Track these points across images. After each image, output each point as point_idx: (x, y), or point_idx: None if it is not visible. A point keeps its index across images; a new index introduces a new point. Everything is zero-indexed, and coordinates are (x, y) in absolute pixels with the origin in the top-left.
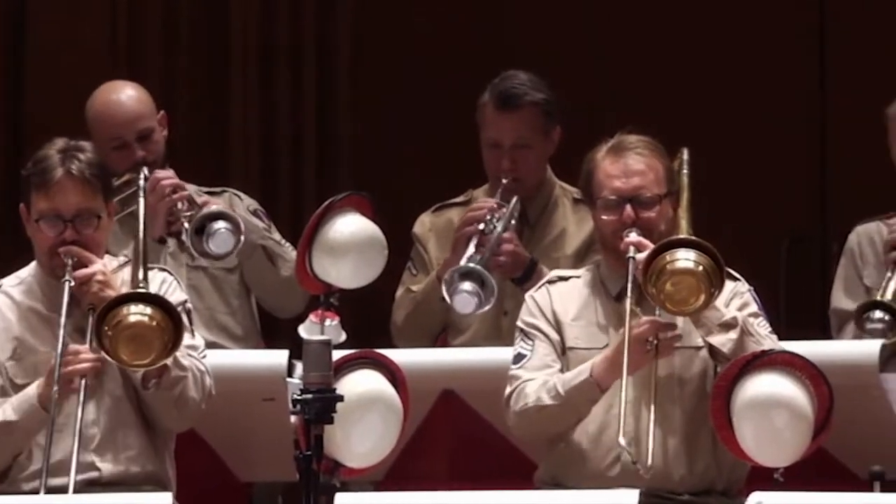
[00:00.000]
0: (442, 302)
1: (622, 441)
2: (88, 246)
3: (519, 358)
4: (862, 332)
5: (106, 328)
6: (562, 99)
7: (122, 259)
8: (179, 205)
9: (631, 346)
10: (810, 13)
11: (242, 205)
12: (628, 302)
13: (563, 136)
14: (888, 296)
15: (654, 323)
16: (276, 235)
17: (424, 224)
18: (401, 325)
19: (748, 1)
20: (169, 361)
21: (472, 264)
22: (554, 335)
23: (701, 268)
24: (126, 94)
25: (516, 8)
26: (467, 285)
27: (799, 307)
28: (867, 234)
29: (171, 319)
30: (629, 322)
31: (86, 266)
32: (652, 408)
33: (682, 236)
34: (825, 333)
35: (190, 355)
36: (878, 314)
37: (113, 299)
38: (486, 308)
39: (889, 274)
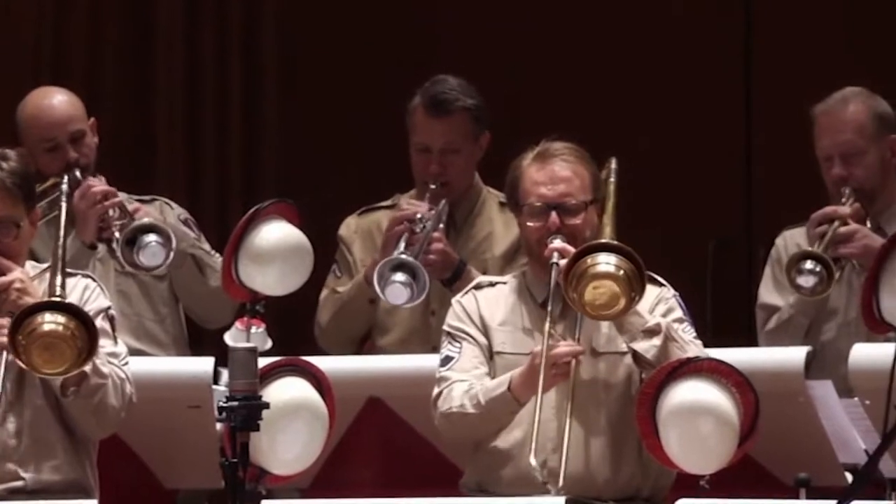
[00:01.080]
0: (369, 303)
1: (533, 462)
2: (7, 254)
3: (447, 360)
4: (795, 288)
5: (20, 336)
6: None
7: (45, 265)
8: (111, 212)
9: (546, 367)
10: (736, 15)
11: (173, 213)
12: (547, 324)
13: (490, 141)
14: (820, 249)
15: (569, 348)
16: (206, 245)
17: (350, 226)
18: (325, 327)
19: (673, 6)
20: (88, 369)
21: (404, 256)
22: (482, 339)
23: (622, 272)
24: (58, 98)
25: (443, 14)
26: (400, 276)
27: (725, 309)
28: (794, 239)
29: (86, 328)
30: (548, 334)
31: (4, 274)
32: (569, 415)
33: (603, 240)
34: (751, 335)
35: (110, 362)
36: (808, 265)
37: (26, 308)
38: (418, 301)
39: (816, 243)
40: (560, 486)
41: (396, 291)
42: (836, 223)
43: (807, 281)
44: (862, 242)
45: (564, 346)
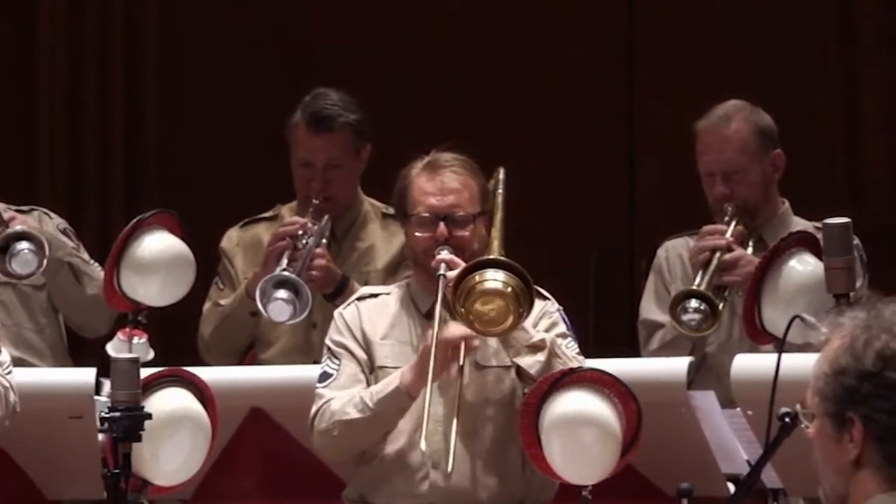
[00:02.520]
0: (250, 316)
1: (423, 446)
2: None
3: (325, 377)
4: (678, 325)
5: None
6: (369, 117)
7: None
8: None
9: (438, 348)
10: (619, 30)
11: (52, 223)
12: (437, 320)
13: (373, 153)
14: (703, 286)
15: (462, 331)
16: (84, 255)
17: (232, 239)
18: (208, 339)
19: (557, 17)
20: None
21: (287, 273)
22: (361, 354)
23: (510, 289)
24: None
25: (323, 25)
26: (282, 293)
27: (607, 321)
28: (675, 250)
29: None
30: (435, 347)
31: None
32: (455, 425)
33: (491, 257)
34: (633, 347)
35: None
36: (693, 303)
37: None
38: (301, 318)
39: (700, 272)
40: (450, 472)
41: (279, 308)
42: (721, 250)
43: (691, 319)
44: (746, 270)
45: (456, 328)
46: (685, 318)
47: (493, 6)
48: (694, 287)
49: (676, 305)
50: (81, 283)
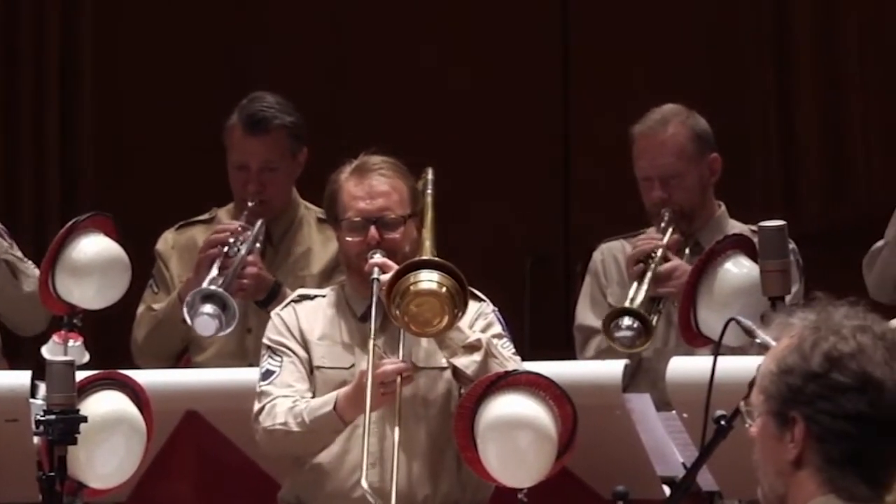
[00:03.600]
0: (182, 321)
1: (364, 485)
2: None
3: (268, 374)
4: (611, 341)
5: None
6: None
7: None
8: None
9: (372, 386)
10: (553, 35)
11: None
12: (373, 325)
13: (309, 157)
14: (636, 304)
15: (395, 366)
16: (19, 253)
17: (167, 241)
18: (141, 343)
19: (491, 21)
20: None
21: (213, 287)
22: (302, 353)
23: (444, 289)
24: None
25: (260, 30)
26: (208, 308)
27: (543, 325)
28: (611, 253)
29: None
30: (373, 351)
31: None
32: (397, 434)
33: (425, 257)
34: (569, 351)
35: None
36: (626, 321)
37: None
38: (227, 331)
39: (635, 284)
40: (394, 474)
41: (204, 323)
42: (656, 260)
43: (624, 336)
44: (681, 281)
45: (390, 365)
46: (618, 335)
47: (425, 8)
48: (627, 304)
49: (609, 322)
50: (18, 279)
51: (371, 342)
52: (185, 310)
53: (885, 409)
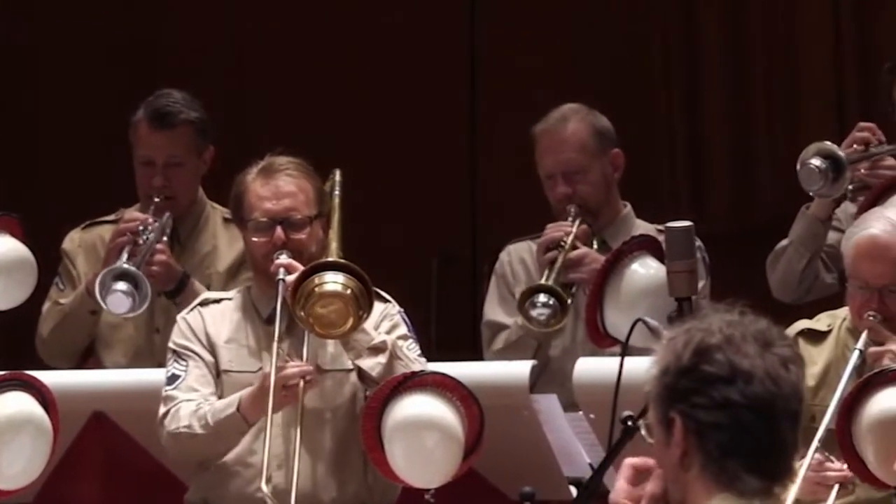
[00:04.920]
0: (90, 314)
1: (265, 488)
2: None
3: (173, 378)
4: (527, 320)
5: None
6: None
7: None
8: None
9: (277, 387)
10: (461, 33)
11: None
12: (277, 327)
13: (215, 156)
14: (550, 281)
15: (299, 368)
16: None
17: (74, 240)
18: (46, 338)
19: (398, 19)
20: None
21: (126, 265)
22: (208, 357)
23: (349, 291)
24: None
25: (167, 28)
26: (122, 285)
27: (450, 326)
28: (518, 253)
29: None
30: (276, 353)
31: None
32: (299, 434)
33: (330, 259)
34: (476, 352)
35: None
36: (542, 298)
37: None
38: (141, 310)
39: (546, 271)
40: (295, 477)
41: (118, 300)
42: (566, 248)
43: (540, 314)
44: (591, 267)
45: (293, 368)
46: (534, 312)
47: (331, 9)
48: (542, 282)
49: (525, 300)
50: None
51: (275, 344)
52: (97, 289)
53: (755, 398)
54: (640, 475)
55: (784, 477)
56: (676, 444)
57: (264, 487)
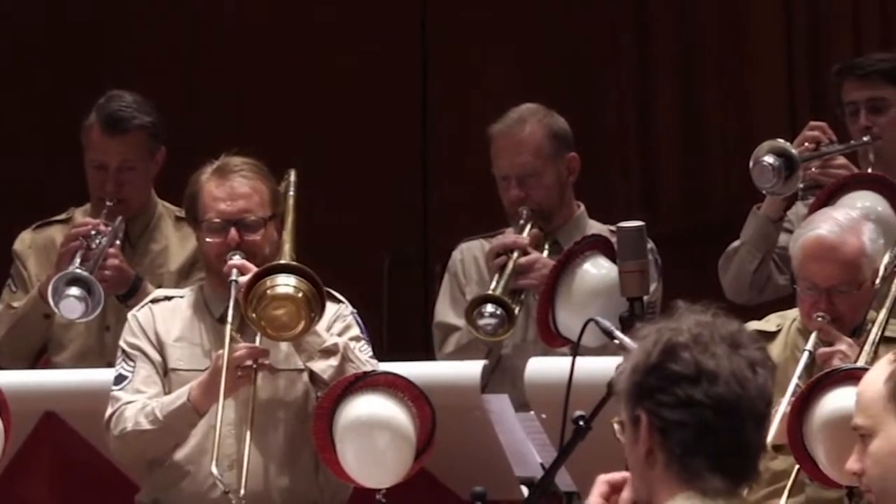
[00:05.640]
0: (44, 318)
1: (214, 470)
2: None
3: (120, 379)
4: (474, 330)
5: None
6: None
7: None
8: None
9: (228, 370)
10: (413, 36)
11: None
12: (228, 326)
13: (167, 156)
14: (499, 291)
15: (251, 349)
16: None
17: (24, 241)
18: (0, 341)
19: (352, 21)
20: None
21: (79, 270)
22: (156, 356)
23: (301, 293)
24: None
25: (115, 29)
26: (75, 290)
27: (401, 326)
28: (471, 252)
29: None
30: (229, 336)
31: None
32: (249, 431)
33: (283, 261)
34: (428, 352)
35: None
36: (489, 308)
37: None
38: (93, 315)
39: (496, 277)
40: (242, 496)
41: (71, 305)
42: (516, 254)
43: (487, 324)
44: (541, 273)
45: (246, 348)
46: (481, 322)
47: (284, 10)
48: (490, 292)
49: (472, 310)
50: None
51: (228, 326)
52: (49, 294)
53: (719, 398)
54: (613, 490)
55: (749, 478)
56: (643, 442)
57: (214, 470)
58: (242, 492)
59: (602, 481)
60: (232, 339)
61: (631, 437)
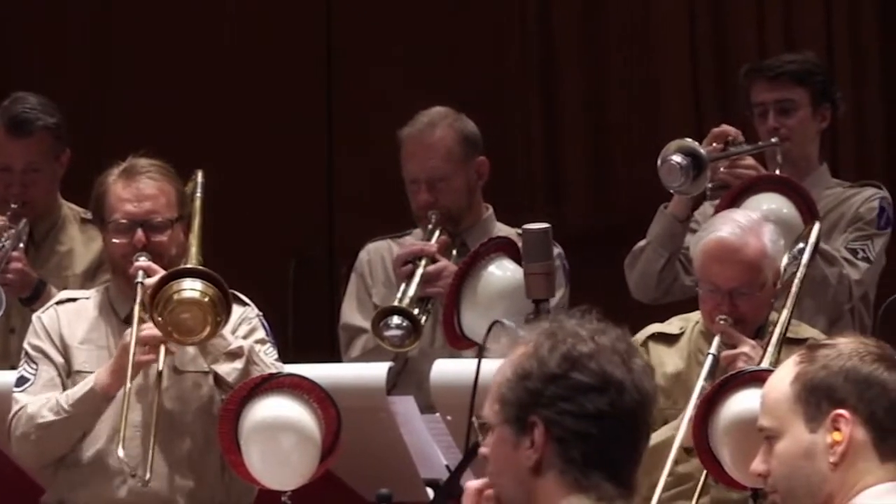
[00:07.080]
0: None
1: (121, 453)
2: None
3: (22, 381)
4: (380, 340)
5: None
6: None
7: None
8: None
9: (136, 347)
10: (318, 30)
11: None
12: (135, 327)
13: (71, 158)
14: (405, 303)
15: (158, 331)
16: None
17: None
18: None
19: (255, 19)
20: None
21: None
22: (59, 359)
23: (207, 298)
24: None
25: (25, 28)
26: None
27: (307, 328)
28: (378, 253)
29: None
30: (134, 345)
31: None
32: (153, 433)
33: (189, 266)
34: (333, 354)
35: None
36: (395, 320)
37: None
38: None
39: (403, 284)
40: (148, 479)
41: None
42: (424, 261)
43: (393, 336)
44: (448, 281)
45: (151, 329)
46: (387, 334)
47: (191, 9)
48: (396, 303)
49: (379, 321)
50: None
51: (136, 307)
52: None
53: (624, 409)
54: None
55: (634, 487)
56: (535, 450)
57: (120, 453)
58: (147, 469)
59: (473, 490)
60: (140, 320)
61: (512, 441)
